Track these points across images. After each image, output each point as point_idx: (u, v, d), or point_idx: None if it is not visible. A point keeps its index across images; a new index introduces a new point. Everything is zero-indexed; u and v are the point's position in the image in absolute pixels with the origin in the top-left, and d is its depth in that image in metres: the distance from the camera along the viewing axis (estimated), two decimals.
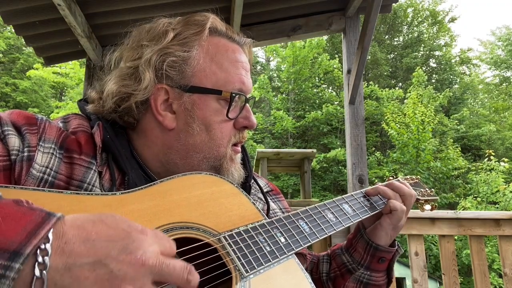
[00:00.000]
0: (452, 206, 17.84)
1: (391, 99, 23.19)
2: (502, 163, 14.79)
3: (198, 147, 0.92)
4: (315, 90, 25.87)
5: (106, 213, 0.55)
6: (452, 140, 20.59)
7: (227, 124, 0.95)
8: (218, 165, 0.95)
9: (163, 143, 0.94)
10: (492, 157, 15.27)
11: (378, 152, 21.13)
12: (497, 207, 14.13)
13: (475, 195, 15.92)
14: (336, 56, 26.94)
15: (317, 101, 25.66)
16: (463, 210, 6.89)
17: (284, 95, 25.75)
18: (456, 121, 24.75)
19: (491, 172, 15.25)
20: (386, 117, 18.71)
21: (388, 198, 1.13)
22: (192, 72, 0.92)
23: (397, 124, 18.09)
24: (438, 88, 27.00)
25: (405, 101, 21.78)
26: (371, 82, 24.55)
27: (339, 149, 21.41)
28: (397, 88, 24.58)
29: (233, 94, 0.92)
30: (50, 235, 0.48)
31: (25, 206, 0.51)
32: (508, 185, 14.30)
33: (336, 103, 24.10)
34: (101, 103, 0.95)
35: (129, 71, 0.92)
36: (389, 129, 18.03)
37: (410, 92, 20.43)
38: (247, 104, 0.98)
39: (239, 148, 1.00)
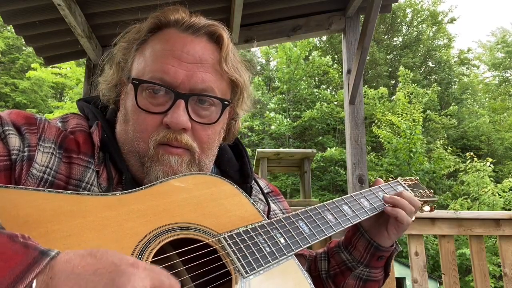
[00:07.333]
0: (445, 208, 17.81)
1: (381, 98, 22.90)
2: (488, 163, 14.90)
3: (122, 138, 0.92)
4: (314, 89, 25.79)
5: (100, 248, 0.54)
6: (443, 140, 20.53)
7: (147, 117, 0.87)
8: (143, 162, 0.88)
9: None
10: (475, 159, 15.38)
11: (373, 154, 21.05)
12: (488, 208, 14.14)
13: (465, 197, 15.97)
14: (336, 56, 26.89)
15: (315, 101, 25.56)
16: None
17: (283, 95, 25.70)
18: (449, 117, 24.60)
19: (478, 173, 15.36)
20: (376, 121, 18.67)
21: (402, 209, 1.10)
22: (131, 63, 0.94)
23: (386, 128, 18.01)
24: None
25: (393, 97, 21.66)
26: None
27: (335, 148, 21.31)
28: (382, 87, 24.09)
29: (135, 82, 0.87)
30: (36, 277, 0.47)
31: (19, 242, 0.50)
32: (496, 186, 14.39)
33: (335, 102, 24.03)
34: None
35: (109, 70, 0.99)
36: (380, 134, 17.98)
37: (398, 92, 20.21)
38: (180, 100, 0.86)
39: (175, 150, 0.87)
